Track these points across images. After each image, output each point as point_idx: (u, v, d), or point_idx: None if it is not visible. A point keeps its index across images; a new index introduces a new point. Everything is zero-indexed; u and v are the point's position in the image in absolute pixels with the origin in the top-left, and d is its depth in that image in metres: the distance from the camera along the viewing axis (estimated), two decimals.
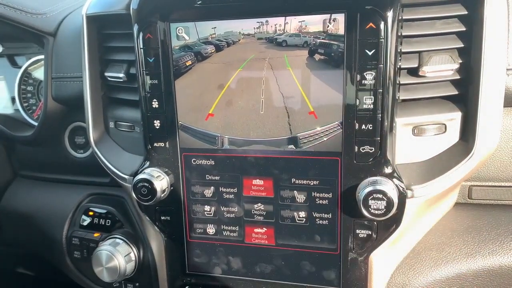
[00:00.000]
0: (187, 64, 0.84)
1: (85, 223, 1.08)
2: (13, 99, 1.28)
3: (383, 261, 0.83)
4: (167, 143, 0.88)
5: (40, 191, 1.20)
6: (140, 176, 0.85)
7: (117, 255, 0.94)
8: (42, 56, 1.15)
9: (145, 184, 0.85)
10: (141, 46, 0.84)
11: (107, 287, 1.06)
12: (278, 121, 0.81)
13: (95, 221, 1.06)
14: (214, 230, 0.89)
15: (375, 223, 0.79)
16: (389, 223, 0.79)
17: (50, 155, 1.17)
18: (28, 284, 1.51)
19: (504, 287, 0.85)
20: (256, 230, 0.87)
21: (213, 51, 0.82)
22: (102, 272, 0.95)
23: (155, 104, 0.86)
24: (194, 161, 0.87)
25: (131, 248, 0.98)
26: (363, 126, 0.77)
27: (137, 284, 1.01)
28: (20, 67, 1.24)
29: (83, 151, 1.14)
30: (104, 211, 1.05)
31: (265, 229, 0.86)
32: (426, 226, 0.90)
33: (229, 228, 0.88)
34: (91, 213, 1.07)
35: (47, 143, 1.16)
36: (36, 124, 1.13)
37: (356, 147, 0.78)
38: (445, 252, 0.86)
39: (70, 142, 1.15)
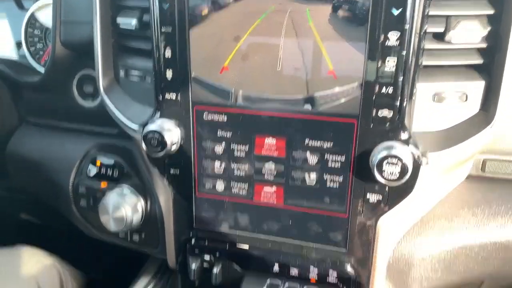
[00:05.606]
0: (203, 12, 0.80)
1: (91, 173, 1.07)
2: (19, 44, 1.24)
3: (391, 227, 0.83)
4: (179, 95, 0.85)
5: (46, 138, 1.19)
6: (151, 127, 0.84)
7: (124, 205, 0.93)
8: None
9: (155, 135, 0.83)
10: None
11: (113, 237, 1.07)
12: (295, 79, 0.78)
13: (102, 171, 1.05)
14: (223, 187, 0.89)
15: (387, 188, 0.78)
16: (400, 190, 0.78)
17: (57, 103, 1.15)
18: (32, 231, 1.53)
19: (509, 260, 0.86)
20: (266, 189, 0.86)
21: None
22: (109, 221, 0.95)
23: (168, 53, 0.83)
24: (206, 115, 0.85)
25: (139, 199, 0.98)
26: (383, 89, 0.74)
27: (143, 235, 1.02)
28: (27, 10, 1.19)
29: (91, 100, 1.12)
30: (112, 161, 1.04)
31: (274, 188, 0.85)
32: (437, 195, 0.89)
33: (238, 185, 0.87)
34: (98, 163, 1.06)
35: (54, 90, 1.13)
36: (43, 70, 1.10)
37: (374, 111, 0.75)
38: (453, 222, 0.86)
39: (78, 91, 1.13)
